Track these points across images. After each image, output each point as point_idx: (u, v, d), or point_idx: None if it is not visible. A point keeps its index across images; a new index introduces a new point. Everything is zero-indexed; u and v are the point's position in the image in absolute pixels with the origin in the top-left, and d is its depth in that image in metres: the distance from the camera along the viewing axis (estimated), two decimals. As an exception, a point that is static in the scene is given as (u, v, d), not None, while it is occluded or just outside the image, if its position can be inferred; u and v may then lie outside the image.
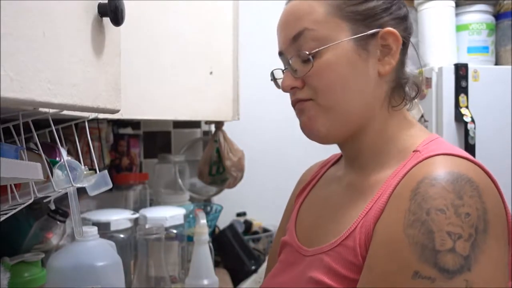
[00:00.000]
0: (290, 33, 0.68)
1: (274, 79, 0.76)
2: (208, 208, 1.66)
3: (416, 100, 0.73)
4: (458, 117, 1.58)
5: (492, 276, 0.52)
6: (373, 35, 0.67)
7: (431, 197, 0.54)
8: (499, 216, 0.56)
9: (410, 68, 0.72)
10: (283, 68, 0.72)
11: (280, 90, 0.73)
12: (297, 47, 0.68)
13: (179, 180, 1.62)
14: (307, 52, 0.66)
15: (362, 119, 0.69)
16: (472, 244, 0.51)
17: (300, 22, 0.67)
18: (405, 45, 0.70)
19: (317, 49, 0.66)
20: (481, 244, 0.52)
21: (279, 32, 0.72)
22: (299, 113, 0.71)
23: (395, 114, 0.70)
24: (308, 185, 0.85)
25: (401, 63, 0.71)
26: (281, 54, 0.72)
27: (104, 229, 1.11)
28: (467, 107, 1.59)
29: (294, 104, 0.71)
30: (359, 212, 0.64)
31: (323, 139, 0.71)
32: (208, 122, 1.69)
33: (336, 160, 0.85)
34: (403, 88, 0.71)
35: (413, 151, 0.65)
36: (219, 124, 1.57)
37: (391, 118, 0.70)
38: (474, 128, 1.56)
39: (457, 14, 1.76)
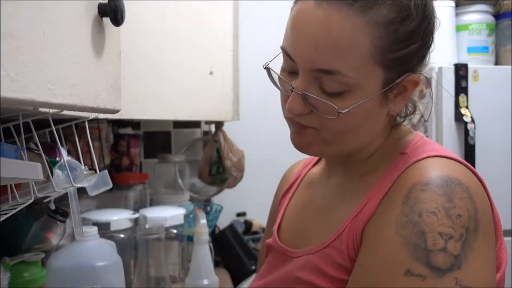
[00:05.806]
0: (318, 62, 0.58)
1: (270, 75, 0.66)
2: (208, 208, 1.66)
3: (415, 99, 0.73)
4: (458, 117, 1.58)
5: (480, 272, 0.53)
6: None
7: (422, 201, 0.56)
8: (488, 214, 0.58)
9: None
10: (283, 66, 0.64)
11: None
12: (319, 78, 0.59)
13: (179, 180, 1.62)
14: (330, 92, 0.59)
15: (361, 147, 0.68)
16: (463, 243, 0.53)
17: (335, 60, 0.57)
18: None
19: (344, 107, 0.59)
20: (471, 243, 0.53)
21: (300, 39, 0.60)
22: (295, 132, 0.66)
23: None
24: (292, 186, 0.84)
25: None
26: (289, 57, 0.61)
27: (104, 229, 1.11)
28: (467, 107, 1.59)
29: (291, 121, 0.66)
30: (347, 215, 0.64)
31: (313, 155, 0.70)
32: (208, 122, 1.69)
33: (319, 159, 0.83)
34: (405, 109, 0.70)
35: (400, 153, 0.65)
36: (219, 124, 1.57)
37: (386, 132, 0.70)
38: (474, 128, 1.56)
39: (457, 14, 1.76)
